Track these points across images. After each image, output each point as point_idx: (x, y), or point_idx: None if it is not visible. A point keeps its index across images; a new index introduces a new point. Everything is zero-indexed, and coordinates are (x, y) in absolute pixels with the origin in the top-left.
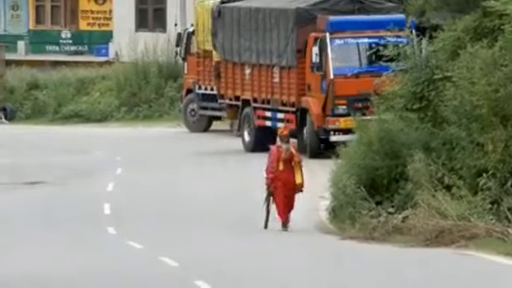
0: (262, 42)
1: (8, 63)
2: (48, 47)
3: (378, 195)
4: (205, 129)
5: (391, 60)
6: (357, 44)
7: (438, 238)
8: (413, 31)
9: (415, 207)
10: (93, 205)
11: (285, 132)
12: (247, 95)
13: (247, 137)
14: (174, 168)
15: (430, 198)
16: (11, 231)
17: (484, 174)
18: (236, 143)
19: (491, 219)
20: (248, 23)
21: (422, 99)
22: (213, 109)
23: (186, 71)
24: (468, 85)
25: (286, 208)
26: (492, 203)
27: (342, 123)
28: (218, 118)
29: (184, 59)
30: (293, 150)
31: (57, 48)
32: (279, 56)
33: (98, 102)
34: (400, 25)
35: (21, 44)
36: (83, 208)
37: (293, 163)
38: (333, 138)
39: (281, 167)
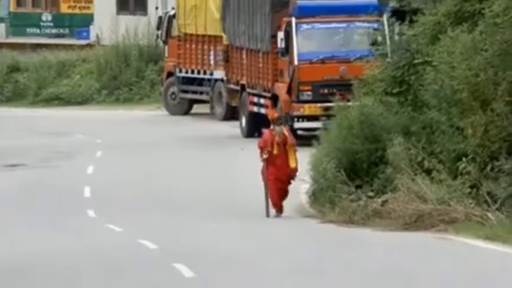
0: (251, 27)
1: None
2: (29, 30)
3: (357, 179)
4: (186, 112)
5: (362, 45)
6: (325, 29)
7: (417, 222)
8: (385, 16)
9: (395, 191)
10: (73, 188)
11: (276, 115)
12: (243, 80)
13: (244, 123)
14: (155, 152)
15: (409, 182)
16: None
17: (464, 159)
18: (217, 127)
19: (471, 203)
20: (243, 7)
21: (403, 84)
22: (194, 92)
23: (166, 54)
24: (448, 69)
25: (279, 195)
26: (471, 187)
27: (307, 109)
28: (199, 101)
29: (165, 42)
30: (286, 133)
31: (38, 30)
32: (262, 41)
33: (78, 85)
34: (372, 9)
35: (1, 27)
36: (63, 191)
37: (287, 147)
38: (297, 125)
39: (275, 151)
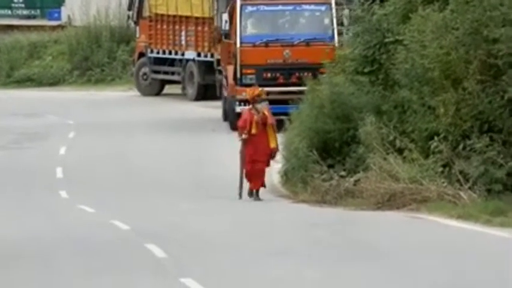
0: (222, 9)
1: None
2: (0, 11)
3: (329, 159)
4: (158, 93)
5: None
6: (271, 11)
7: (390, 201)
8: None
9: (367, 170)
10: (45, 169)
11: (256, 92)
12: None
13: (222, 105)
14: (127, 133)
15: (381, 161)
16: None
17: (436, 137)
18: (189, 107)
19: (443, 182)
20: None
21: (374, 63)
22: (165, 73)
23: (138, 35)
24: (419, 48)
25: (256, 175)
26: (444, 166)
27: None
28: (170, 82)
29: (136, 23)
30: (266, 113)
31: (9, 12)
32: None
33: (50, 66)
34: None
35: None
36: (35, 172)
37: (267, 127)
38: (238, 109)
39: (254, 130)
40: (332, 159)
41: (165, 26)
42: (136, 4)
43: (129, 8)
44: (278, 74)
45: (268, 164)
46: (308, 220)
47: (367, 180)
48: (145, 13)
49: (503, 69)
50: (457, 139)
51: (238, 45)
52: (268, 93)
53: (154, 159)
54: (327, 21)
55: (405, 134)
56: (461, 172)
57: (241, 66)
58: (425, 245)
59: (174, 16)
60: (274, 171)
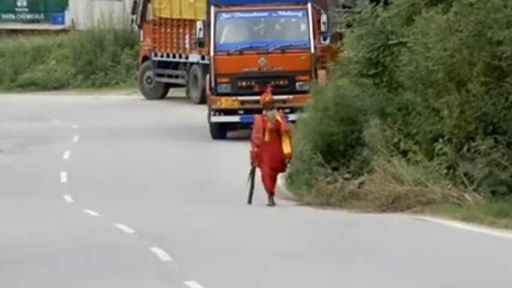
0: None
1: None
2: (4, 16)
3: (334, 161)
4: (162, 96)
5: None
6: (245, 18)
7: (394, 203)
8: (309, 4)
9: (371, 172)
10: (50, 173)
11: (267, 99)
12: None
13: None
14: (131, 137)
15: (386, 164)
16: None
17: (440, 139)
18: (193, 111)
19: (448, 184)
20: None
21: (378, 65)
22: (169, 76)
23: (142, 39)
24: (423, 50)
25: (272, 182)
26: (448, 168)
27: (224, 103)
28: (174, 85)
29: (140, 27)
30: (279, 119)
31: (13, 16)
32: None
33: (54, 70)
34: None
35: None
36: (40, 176)
37: (281, 132)
38: (213, 118)
39: (267, 137)
40: (336, 161)
41: (169, 30)
42: (140, 8)
43: (133, 12)
44: (253, 83)
45: (283, 170)
46: (313, 223)
47: (372, 182)
48: (149, 17)
49: (507, 71)
50: (462, 141)
51: (212, 53)
52: (243, 102)
53: (158, 163)
54: (303, 27)
55: (409, 136)
56: (465, 174)
57: (216, 75)
58: (430, 247)
59: (178, 20)
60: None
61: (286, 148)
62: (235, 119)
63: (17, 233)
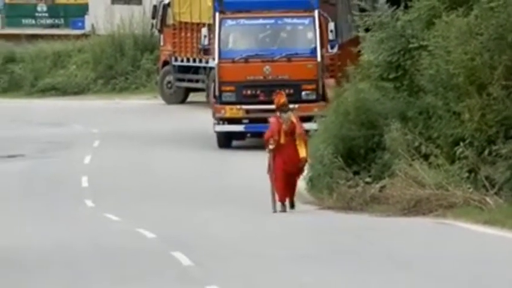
0: None
1: None
2: (24, 21)
3: (355, 165)
4: (182, 101)
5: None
6: (251, 25)
7: (416, 207)
8: (316, 11)
9: (393, 176)
10: (71, 178)
11: (282, 100)
12: None
13: None
14: (151, 141)
15: (407, 168)
16: None
17: (461, 143)
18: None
19: (469, 188)
20: None
21: (398, 69)
22: (190, 81)
23: (162, 43)
24: (444, 54)
25: (288, 190)
26: (469, 171)
27: (228, 111)
28: (195, 90)
29: (160, 31)
30: (294, 120)
31: (33, 21)
32: None
33: (74, 75)
34: (303, 5)
35: None
36: (61, 181)
37: (295, 136)
38: (217, 128)
39: (282, 140)
40: (357, 165)
41: (189, 34)
42: (160, 12)
43: (153, 16)
44: (258, 91)
45: (298, 174)
46: (333, 226)
47: (393, 186)
48: (169, 21)
49: None
50: (483, 144)
51: (216, 61)
52: (248, 111)
53: (178, 168)
54: (310, 35)
55: (431, 140)
56: (487, 177)
57: (220, 83)
58: (452, 252)
59: (198, 24)
60: (299, 178)
61: (302, 152)
62: (239, 128)
63: (39, 237)
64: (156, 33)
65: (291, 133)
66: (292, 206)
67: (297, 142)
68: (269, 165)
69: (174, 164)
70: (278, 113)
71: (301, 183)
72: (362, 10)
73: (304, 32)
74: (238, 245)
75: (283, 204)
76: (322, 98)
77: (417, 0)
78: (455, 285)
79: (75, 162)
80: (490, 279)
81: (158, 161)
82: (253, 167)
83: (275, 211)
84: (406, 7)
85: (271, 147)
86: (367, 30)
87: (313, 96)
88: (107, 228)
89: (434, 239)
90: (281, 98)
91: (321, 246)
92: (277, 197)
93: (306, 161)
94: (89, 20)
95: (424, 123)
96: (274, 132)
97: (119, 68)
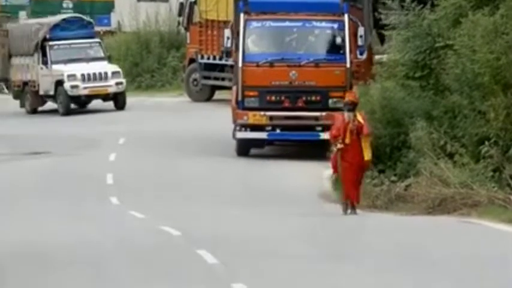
0: None
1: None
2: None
3: (380, 164)
4: (208, 98)
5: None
6: (277, 28)
7: (440, 206)
8: (346, 15)
9: (418, 175)
10: (96, 175)
11: (347, 99)
12: None
13: None
14: (176, 139)
15: (432, 166)
16: (15, 201)
17: (486, 142)
18: None
19: (494, 187)
20: None
21: (424, 68)
22: (216, 78)
23: (188, 41)
24: (470, 53)
25: (354, 187)
26: (494, 170)
27: (251, 117)
28: (221, 88)
29: (186, 29)
30: (362, 121)
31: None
32: None
33: None
34: (333, 8)
35: (22, 14)
36: (86, 178)
37: (361, 136)
38: (239, 135)
39: (347, 139)
40: (383, 164)
41: (215, 32)
42: (187, 10)
43: (179, 14)
44: (283, 97)
45: (362, 177)
46: (359, 225)
47: (418, 185)
48: (196, 19)
49: None
50: (508, 144)
51: (240, 64)
52: (271, 118)
53: (204, 167)
54: (338, 40)
55: (456, 139)
56: (511, 177)
57: (243, 87)
58: (477, 251)
59: (225, 22)
60: (325, 177)
61: (367, 155)
62: (262, 135)
63: (65, 233)
64: (183, 30)
65: (357, 133)
66: (352, 207)
67: (363, 143)
68: (334, 163)
69: (199, 163)
70: (345, 111)
71: (326, 183)
72: (389, 9)
73: (333, 37)
74: (264, 244)
75: (352, 206)
76: None
77: None
78: (480, 285)
79: (100, 160)
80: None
81: (183, 159)
82: (280, 167)
83: (345, 213)
84: (433, 6)
85: (339, 146)
86: (393, 28)
87: (341, 105)
88: (132, 225)
89: (460, 238)
90: (349, 95)
91: (346, 244)
92: (345, 198)
93: (370, 163)
94: (114, 17)
95: (450, 122)
96: (340, 131)
97: (144, 65)
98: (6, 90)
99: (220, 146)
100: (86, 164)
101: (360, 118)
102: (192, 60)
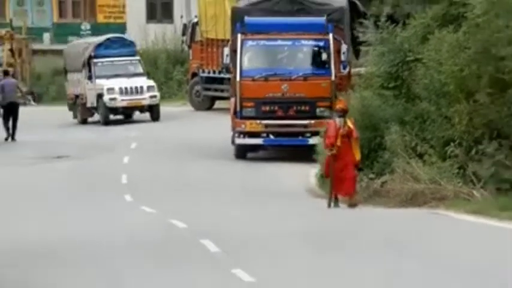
0: None
1: (35, 52)
2: (70, 38)
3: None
4: (209, 107)
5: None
6: (270, 46)
7: (412, 200)
8: (331, 35)
9: (392, 173)
10: (111, 176)
11: (338, 106)
12: None
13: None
14: (184, 143)
15: (405, 165)
16: (38, 199)
17: (452, 143)
18: None
19: (459, 183)
20: None
21: (397, 79)
22: (215, 90)
23: (191, 57)
24: (437, 65)
25: (353, 182)
26: (459, 168)
27: (248, 125)
28: (220, 98)
29: (189, 47)
30: (351, 126)
31: (78, 38)
32: None
33: None
34: (319, 28)
35: (46, 36)
36: (103, 178)
37: (351, 140)
38: (238, 141)
39: (339, 142)
40: (362, 163)
41: (215, 49)
42: (190, 30)
43: (183, 34)
44: (276, 107)
45: (353, 175)
46: (344, 217)
47: (393, 181)
48: (197, 38)
49: (509, 83)
50: (470, 144)
51: (238, 78)
52: (267, 125)
53: (207, 168)
54: (324, 56)
55: (425, 141)
56: (474, 173)
57: (241, 99)
58: (444, 238)
59: (223, 40)
60: (311, 174)
61: (357, 155)
62: (259, 141)
63: (84, 227)
64: (186, 48)
65: (347, 136)
66: (336, 201)
67: (353, 145)
68: (328, 166)
69: (202, 165)
70: (336, 117)
71: (312, 180)
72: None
73: (319, 53)
74: (267, 236)
75: (350, 203)
76: None
77: (413, 18)
78: (448, 264)
79: (115, 162)
80: (475, 260)
81: (188, 161)
82: (273, 168)
83: (329, 206)
84: (404, 24)
85: (333, 152)
86: (369, 45)
87: (327, 113)
88: (142, 218)
89: (430, 226)
90: (340, 103)
91: (334, 233)
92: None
93: (359, 163)
94: (127, 37)
95: (420, 126)
96: (332, 139)
97: (153, 79)
98: (33, 103)
99: (220, 150)
100: (103, 165)
101: (349, 123)
102: (194, 74)
